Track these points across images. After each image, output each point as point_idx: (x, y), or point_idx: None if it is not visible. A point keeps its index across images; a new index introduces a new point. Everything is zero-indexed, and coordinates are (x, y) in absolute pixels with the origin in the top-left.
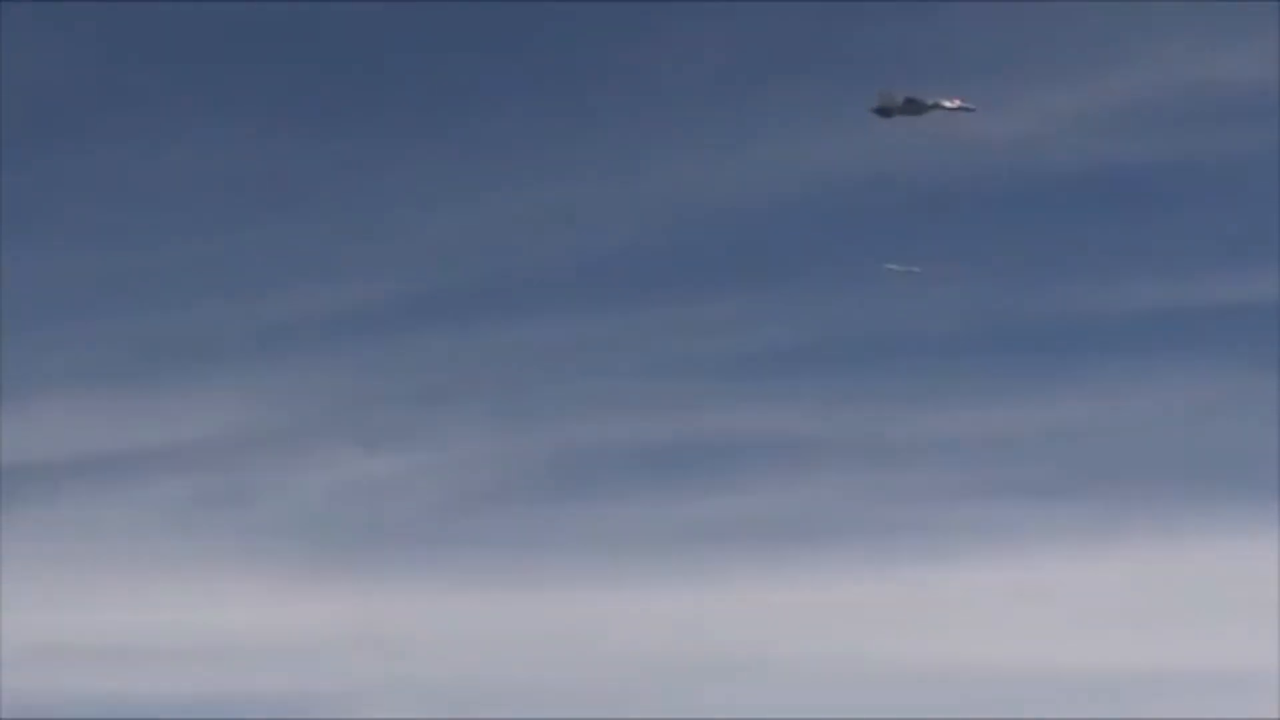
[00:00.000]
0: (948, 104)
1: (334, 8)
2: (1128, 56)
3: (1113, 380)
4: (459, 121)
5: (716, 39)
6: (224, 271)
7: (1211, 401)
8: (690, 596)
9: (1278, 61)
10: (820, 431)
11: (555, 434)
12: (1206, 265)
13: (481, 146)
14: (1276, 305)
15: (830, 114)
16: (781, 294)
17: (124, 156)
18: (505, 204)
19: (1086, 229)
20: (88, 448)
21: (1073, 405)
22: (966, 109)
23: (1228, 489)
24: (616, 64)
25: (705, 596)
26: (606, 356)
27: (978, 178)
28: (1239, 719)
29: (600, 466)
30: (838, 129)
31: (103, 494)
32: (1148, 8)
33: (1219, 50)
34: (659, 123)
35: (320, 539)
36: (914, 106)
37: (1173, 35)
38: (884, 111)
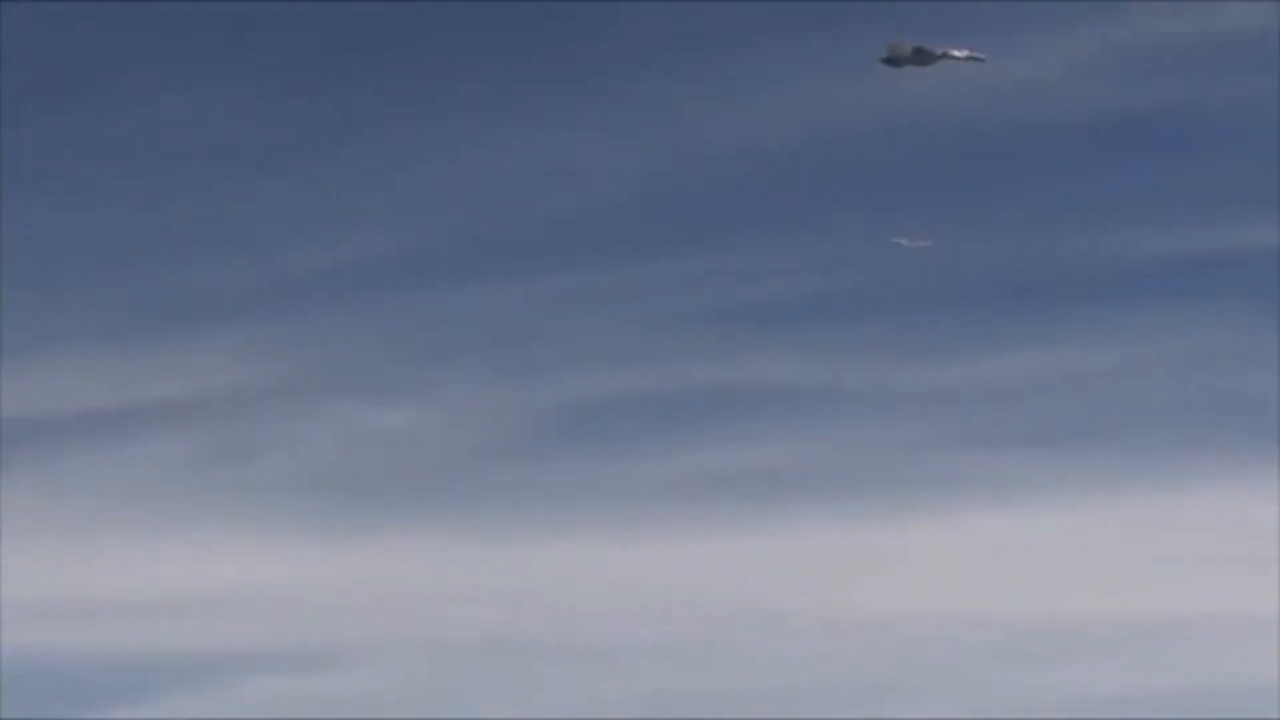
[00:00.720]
0: (957, 53)
1: None
2: (1137, 3)
3: (1118, 330)
4: (459, 74)
5: None
6: (224, 228)
7: (1215, 350)
8: (696, 549)
9: None
10: (826, 383)
11: (559, 387)
12: (1213, 213)
13: (482, 99)
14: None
15: (838, 64)
16: (787, 245)
17: (119, 115)
18: (507, 157)
19: (1095, 178)
20: (88, 404)
21: (1080, 355)
22: (976, 58)
23: (1231, 438)
24: (619, 14)
25: (711, 548)
26: (611, 309)
27: (987, 127)
28: (1238, 719)
29: (604, 419)
30: (846, 79)
31: (103, 450)
32: None
33: None
34: (664, 73)
35: (323, 494)
36: (923, 56)
37: None
38: (893, 61)
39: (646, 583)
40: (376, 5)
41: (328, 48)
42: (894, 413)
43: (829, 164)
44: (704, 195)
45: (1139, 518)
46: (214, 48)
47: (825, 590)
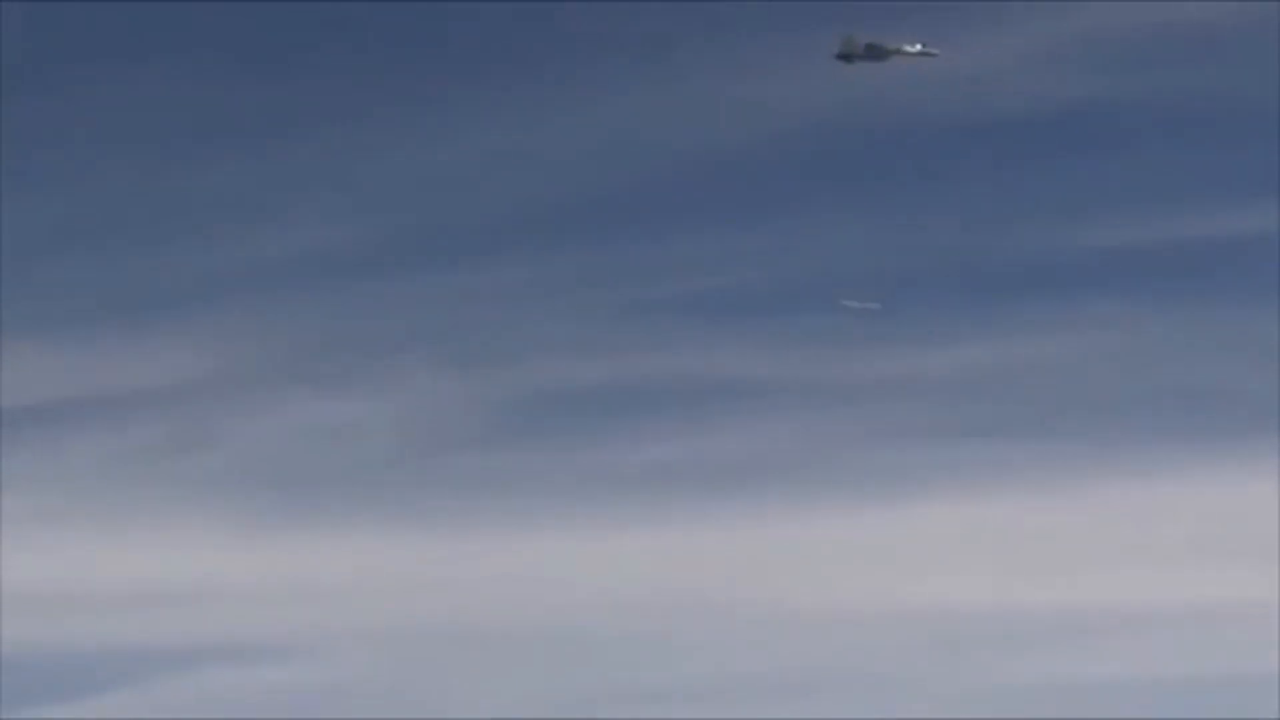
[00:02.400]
0: (910, 49)
1: None
2: None
3: (1081, 318)
4: (417, 66)
5: None
6: (181, 219)
7: (1179, 339)
8: (654, 539)
9: None
10: (783, 373)
11: (518, 378)
12: (1173, 201)
13: (440, 90)
14: (1246, 241)
15: (793, 60)
16: (744, 237)
17: (77, 105)
18: (466, 147)
19: (1051, 170)
20: (42, 396)
21: (1041, 344)
22: (929, 53)
23: (1198, 426)
24: (574, 7)
25: (669, 539)
26: (566, 299)
27: (941, 121)
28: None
29: (562, 410)
30: (800, 75)
31: (58, 442)
32: None
33: None
34: (621, 67)
35: (280, 485)
36: (876, 52)
37: None
38: (846, 57)
39: (604, 574)
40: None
41: (286, 40)
42: (855, 404)
43: (785, 157)
44: (662, 187)
45: (1104, 507)
46: (171, 38)
47: (788, 581)
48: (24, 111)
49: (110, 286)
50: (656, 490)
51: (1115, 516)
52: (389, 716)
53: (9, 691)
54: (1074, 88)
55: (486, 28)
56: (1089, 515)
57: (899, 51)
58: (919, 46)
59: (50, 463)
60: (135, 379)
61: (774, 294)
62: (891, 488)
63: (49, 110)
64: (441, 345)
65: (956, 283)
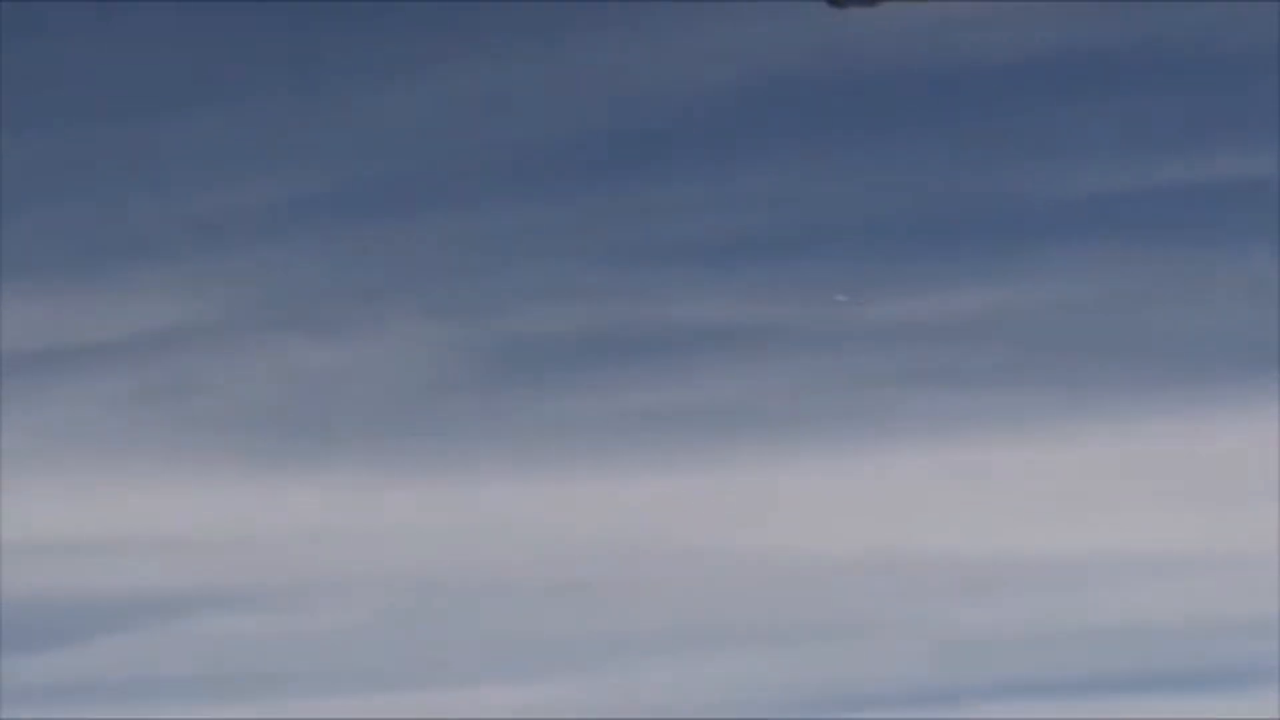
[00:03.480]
0: None
1: None
2: None
3: (1064, 264)
4: (392, 10)
5: None
6: (162, 163)
7: (1166, 284)
8: (640, 485)
9: None
10: (769, 319)
11: (502, 323)
12: (1162, 147)
13: (418, 34)
14: (1227, 187)
15: (781, 4)
16: (730, 182)
17: (46, 45)
18: (444, 91)
19: (1043, 113)
20: (24, 344)
21: (1024, 290)
22: None
23: (1184, 372)
24: None
25: (655, 485)
26: (551, 244)
27: (932, 66)
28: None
29: (547, 355)
30: (789, 19)
31: (43, 390)
32: None
33: None
34: (601, 10)
35: (263, 431)
36: None
37: None
38: (836, 2)
39: (592, 520)
40: None
41: None
42: (833, 350)
43: (769, 102)
44: (649, 132)
45: (1087, 453)
46: None
47: (773, 528)
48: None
49: (93, 232)
50: (643, 437)
51: (1103, 462)
52: (375, 663)
53: None
54: (1072, 31)
55: None
56: (1078, 461)
57: None
58: None
59: (33, 410)
60: (117, 326)
61: (759, 240)
62: (880, 434)
63: (29, 53)
64: (428, 291)
65: (945, 228)
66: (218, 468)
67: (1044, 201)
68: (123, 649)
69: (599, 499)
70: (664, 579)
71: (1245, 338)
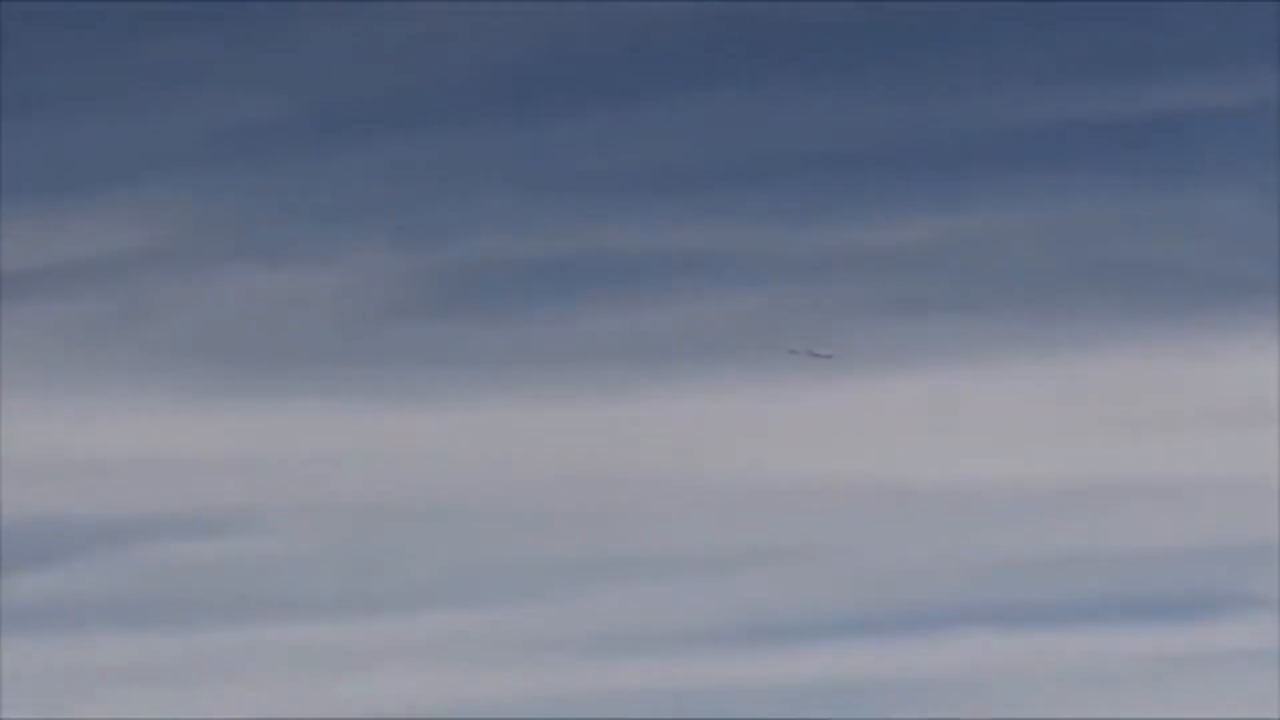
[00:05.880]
0: None
1: None
2: None
3: (1019, 193)
4: None
5: None
6: (116, 90)
7: (1112, 216)
8: (591, 412)
9: None
10: (721, 247)
11: (455, 250)
12: (1118, 75)
13: None
14: (1183, 118)
15: None
16: (692, 108)
17: None
18: (401, 17)
19: (1009, 41)
20: None
21: (977, 218)
22: None
23: (1130, 302)
24: None
25: (606, 412)
26: (506, 172)
27: None
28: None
29: (499, 283)
30: None
31: None
32: None
33: None
34: None
35: (218, 358)
36: None
37: None
38: None
39: (547, 449)
40: None
41: None
42: (790, 278)
43: (723, 26)
44: (608, 57)
45: (1044, 382)
46: None
47: (723, 457)
48: None
49: (44, 160)
50: (601, 364)
51: (1078, 389)
52: (323, 588)
53: None
54: None
55: None
56: (1051, 388)
57: None
58: None
59: None
60: (70, 252)
61: (714, 169)
62: (848, 362)
63: None
64: (379, 218)
65: (912, 156)
66: (171, 393)
67: (998, 132)
68: (76, 573)
69: (552, 426)
70: (616, 505)
71: (1200, 268)
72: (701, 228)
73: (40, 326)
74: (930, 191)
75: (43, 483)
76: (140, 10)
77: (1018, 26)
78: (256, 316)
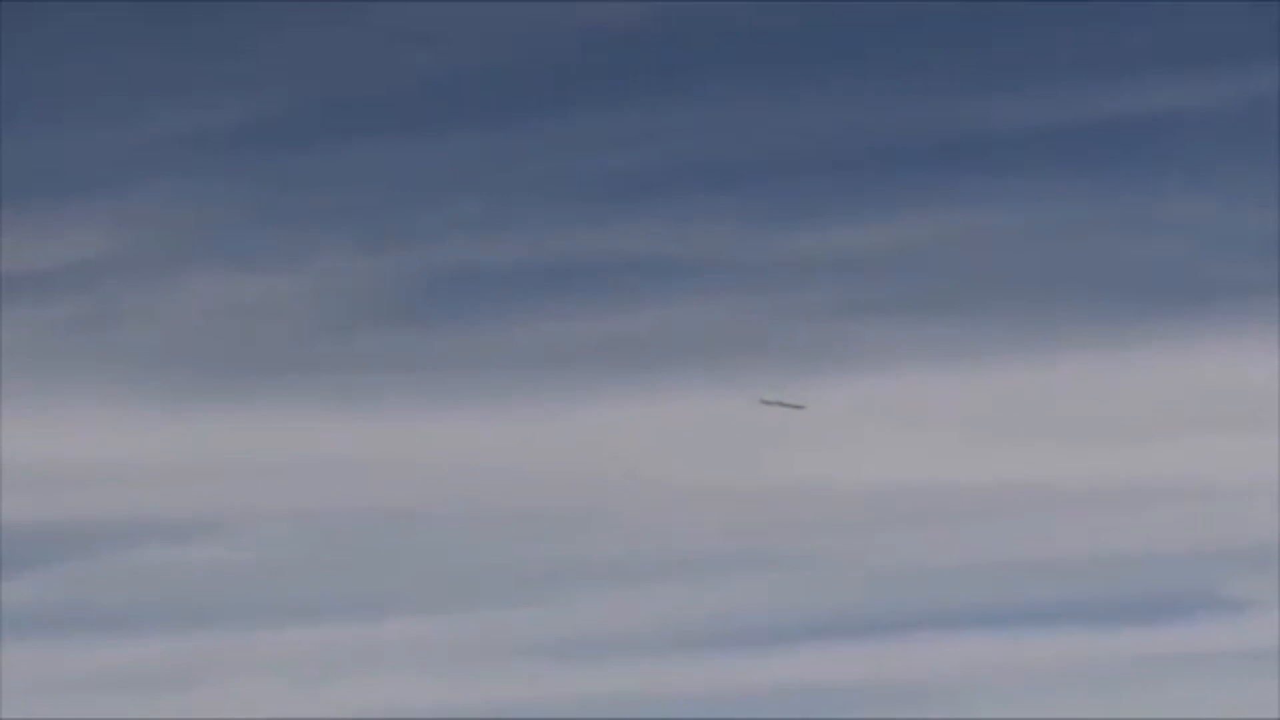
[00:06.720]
0: None
1: None
2: None
3: (987, 196)
4: None
5: None
6: (84, 96)
7: (1082, 218)
8: (560, 418)
9: None
10: (699, 252)
11: (427, 255)
12: (1089, 79)
13: None
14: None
15: None
16: (668, 112)
17: None
18: (375, 20)
19: (989, 42)
20: None
21: (946, 221)
22: None
23: (1100, 304)
24: None
25: (579, 416)
26: (480, 176)
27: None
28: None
29: (469, 288)
30: None
31: None
32: None
33: None
34: None
35: (187, 363)
36: None
37: None
38: None
39: (516, 453)
40: None
41: None
42: (769, 281)
43: (703, 30)
44: (585, 61)
45: (1010, 385)
46: None
47: (690, 461)
48: None
49: (12, 168)
50: (574, 369)
51: (1065, 391)
52: (298, 594)
53: None
54: None
55: None
56: (1037, 390)
57: None
58: None
59: None
60: (43, 257)
61: (697, 172)
62: (820, 365)
63: None
64: (349, 223)
65: (891, 158)
66: (142, 400)
67: (989, 135)
68: (52, 580)
69: (530, 430)
70: (590, 509)
71: (1188, 270)
72: (680, 232)
73: (10, 333)
74: (910, 194)
75: (14, 491)
76: (107, 17)
77: (1002, 28)
78: (229, 322)
